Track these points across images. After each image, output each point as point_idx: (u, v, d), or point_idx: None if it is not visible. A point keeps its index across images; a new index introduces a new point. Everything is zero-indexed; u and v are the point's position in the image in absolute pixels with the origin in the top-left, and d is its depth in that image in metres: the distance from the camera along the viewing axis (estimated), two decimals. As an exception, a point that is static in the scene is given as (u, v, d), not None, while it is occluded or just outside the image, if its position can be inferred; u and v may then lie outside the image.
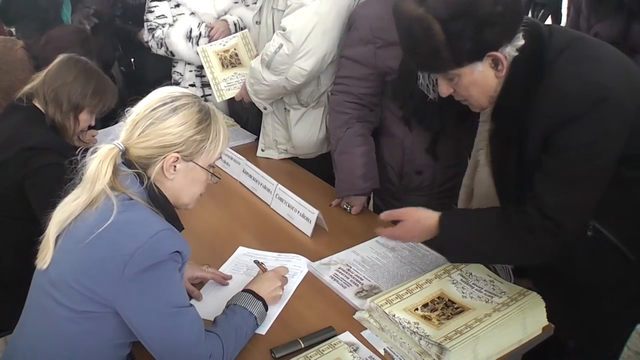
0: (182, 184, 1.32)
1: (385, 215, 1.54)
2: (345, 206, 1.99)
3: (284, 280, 1.55)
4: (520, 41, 1.27)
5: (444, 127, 1.88)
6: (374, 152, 1.99)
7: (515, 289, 1.45)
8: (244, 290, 1.44)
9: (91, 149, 1.26)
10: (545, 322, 1.40)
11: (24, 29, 3.11)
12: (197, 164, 1.31)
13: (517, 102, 1.31)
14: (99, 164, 1.22)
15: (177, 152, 1.27)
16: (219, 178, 1.41)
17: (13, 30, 3.31)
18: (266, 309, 1.43)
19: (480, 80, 1.31)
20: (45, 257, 1.24)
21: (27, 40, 2.58)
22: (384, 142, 2.06)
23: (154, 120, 1.26)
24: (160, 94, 1.30)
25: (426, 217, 1.46)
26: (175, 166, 1.28)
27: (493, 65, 1.28)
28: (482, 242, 1.39)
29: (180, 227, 1.34)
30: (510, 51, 1.27)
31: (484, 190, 1.48)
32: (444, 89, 1.38)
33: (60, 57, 2.02)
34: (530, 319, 1.37)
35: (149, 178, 1.26)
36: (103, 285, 1.17)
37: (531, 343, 1.38)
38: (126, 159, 1.27)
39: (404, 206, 1.99)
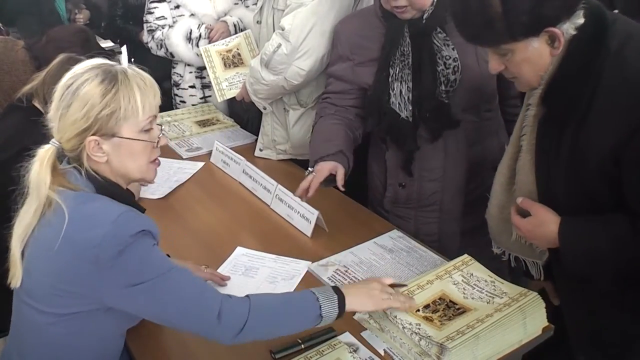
0: (119, 161, 1.23)
1: (520, 200, 1.41)
2: (308, 171, 1.84)
3: (386, 288, 1.36)
4: (579, 19, 1.22)
5: (418, 147, 1.84)
6: (345, 130, 1.92)
7: (516, 289, 1.44)
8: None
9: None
10: (545, 322, 1.40)
11: (24, 25, 3.12)
12: (122, 137, 1.21)
13: (575, 85, 1.25)
14: (38, 168, 1.18)
15: (93, 134, 1.18)
16: (157, 141, 1.28)
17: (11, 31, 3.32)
18: (343, 307, 1.26)
19: (535, 57, 1.25)
20: (15, 275, 1.20)
21: (28, 40, 2.58)
22: (371, 152, 2.05)
23: (62, 110, 1.20)
24: (66, 77, 1.23)
25: (549, 222, 1.34)
26: (101, 148, 1.20)
27: (549, 42, 1.23)
28: (610, 253, 1.28)
29: (140, 210, 1.27)
30: (568, 28, 1.22)
31: (526, 177, 1.42)
32: (495, 65, 1.32)
33: (60, 57, 2.02)
34: (530, 319, 1.37)
35: (85, 169, 1.21)
36: (83, 284, 1.14)
37: (531, 344, 1.37)
38: (66, 155, 1.23)
39: (392, 217, 1.99)
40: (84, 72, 1.21)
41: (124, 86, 1.19)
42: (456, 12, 1.30)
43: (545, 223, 1.35)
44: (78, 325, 1.19)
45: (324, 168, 1.80)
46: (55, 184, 1.18)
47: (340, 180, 1.80)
